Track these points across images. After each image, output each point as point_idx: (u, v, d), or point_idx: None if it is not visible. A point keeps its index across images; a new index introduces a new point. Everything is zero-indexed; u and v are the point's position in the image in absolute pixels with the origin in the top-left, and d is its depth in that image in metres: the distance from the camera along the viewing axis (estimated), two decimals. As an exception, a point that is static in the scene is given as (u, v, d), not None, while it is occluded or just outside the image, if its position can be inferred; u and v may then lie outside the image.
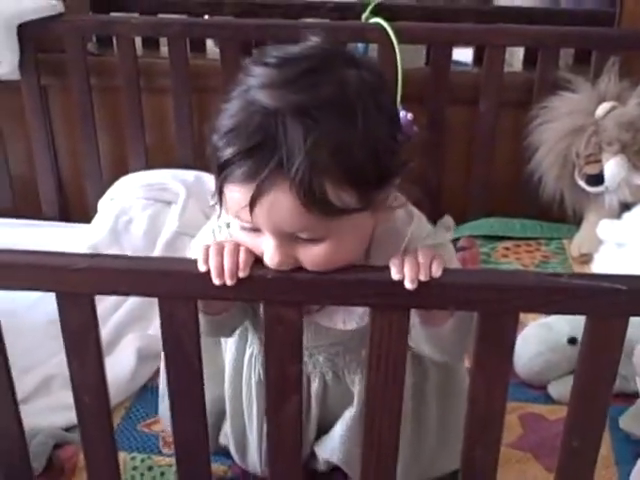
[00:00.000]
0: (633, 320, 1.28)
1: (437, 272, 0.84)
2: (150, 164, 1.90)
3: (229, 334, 1.08)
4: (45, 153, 1.92)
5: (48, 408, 1.30)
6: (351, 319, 1.00)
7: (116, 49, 1.83)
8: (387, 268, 0.85)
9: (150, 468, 1.24)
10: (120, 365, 1.39)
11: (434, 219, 1.68)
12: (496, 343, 0.88)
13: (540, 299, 0.84)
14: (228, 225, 0.96)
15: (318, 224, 0.85)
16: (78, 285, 0.87)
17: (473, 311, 0.86)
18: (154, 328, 1.53)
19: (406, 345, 0.87)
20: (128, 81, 1.82)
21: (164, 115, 1.90)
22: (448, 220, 0.98)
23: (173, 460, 1.22)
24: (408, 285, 0.83)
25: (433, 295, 0.84)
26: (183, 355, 0.91)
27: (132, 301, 1.57)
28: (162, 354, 1.14)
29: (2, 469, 1.05)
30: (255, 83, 0.86)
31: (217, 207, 0.93)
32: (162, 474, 1.23)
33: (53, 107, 1.91)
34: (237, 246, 0.87)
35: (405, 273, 0.84)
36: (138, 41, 1.86)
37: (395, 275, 0.84)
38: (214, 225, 1.02)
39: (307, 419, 1.10)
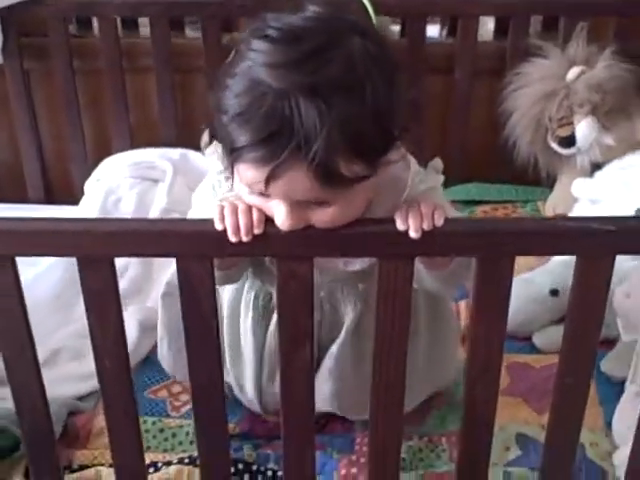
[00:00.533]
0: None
1: (439, 221, 0.90)
2: (134, 144, 1.92)
3: (235, 283, 1.15)
4: (29, 137, 1.94)
5: (57, 380, 1.33)
6: (353, 262, 1.06)
7: (97, 30, 1.86)
8: (392, 220, 0.90)
9: (161, 430, 1.29)
10: (123, 336, 1.44)
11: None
12: (495, 287, 0.94)
13: (534, 242, 0.91)
14: (227, 178, 1.01)
15: (330, 194, 0.89)
16: (99, 248, 0.92)
17: (473, 256, 0.93)
18: (151, 300, 1.58)
19: (411, 292, 0.93)
20: (110, 62, 1.84)
21: (146, 95, 1.93)
22: (437, 162, 1.04)
23: (183, 422, 1.29)
24: (413, 234, 0.89)
25: (436, 243, 0.90)
26: (200, 311, 0.96)
27: (128, 276, 1.61)
28: (159, 302, 1.20)
29: (26, 434, 1.09)
30: (259, 60, 0.87)
31: (216, 161, 0.99)
32: (173, 435, 1.28)
33: (36, 91, 1.93)
34: (250, 205, 0.92)
35: (409, 224, 0.89)
36: (118, 22, 1.89)
37: (400, 226, 0.90)
38: (213, 180, 1.06)
39: None
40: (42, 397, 1.07)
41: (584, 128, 1.75)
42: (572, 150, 1.80)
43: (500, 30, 1.92)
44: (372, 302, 0.97)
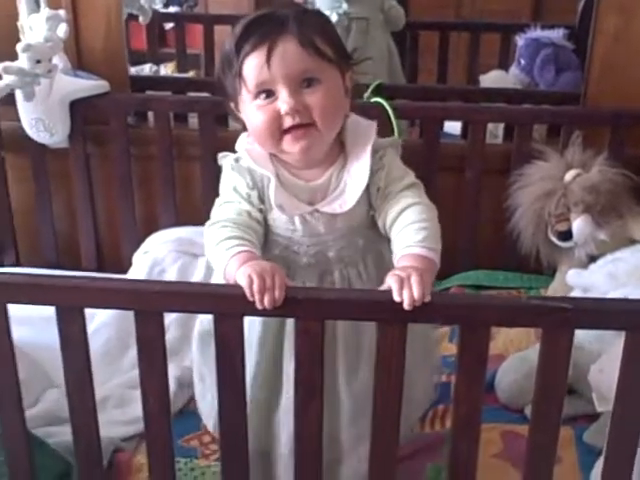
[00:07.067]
0: (585, 345, 1.54)
1: (428, 297, 1.10)
2: (179, 222, 2.16)
3: None
4: (86, 211, 2.18)
5: (104, 423, 1.51)
6: (345, 204, 1.26)
7: (153, 123, 2.12)
8: (389, 291, 1.11)
9: (192, 469, 1.49)
10: (162, 390, 1.63)
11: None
12: (474, 351, 1.14)
13: (505, 315, 1.11)
14: (237, 160, 1.28)
15: (315, 65, 1.20)
16: (153, 304, 1.14)
17: (456, 324, 1.13)
18: (188, 360, 1.78)
19: (404, 349, 1.13)
20: (162, 149, 2.10)
21: (191, 179, 2.18)
22: (396, 140, 1.32)
23: (211, 462, 1.48)
24: (406, 307, 1.10)
25: (425, 312, 1.10)
26: (231, 362, 1.17)
27: (168, 338, 1.81)
28: (194, 361, 1.40)
29: (80, 464, 1.30)
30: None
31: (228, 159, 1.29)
32: (203, 473, 1.48)
33: (95, 171, 2.18)
34: (273, 273, 1.11)
35: (404, 297, 1.10)
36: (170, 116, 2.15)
37: (397, 297, 1.10)
38: (228, 167, 1.30)
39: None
40: (96, 434, 1.28)
41: (579, 225, 1.94)
42: (570, 243, 1.99)
43: (508, 133, 2.15)
44: (370, 264, 1.29)
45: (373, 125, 1.31)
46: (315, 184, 1.28)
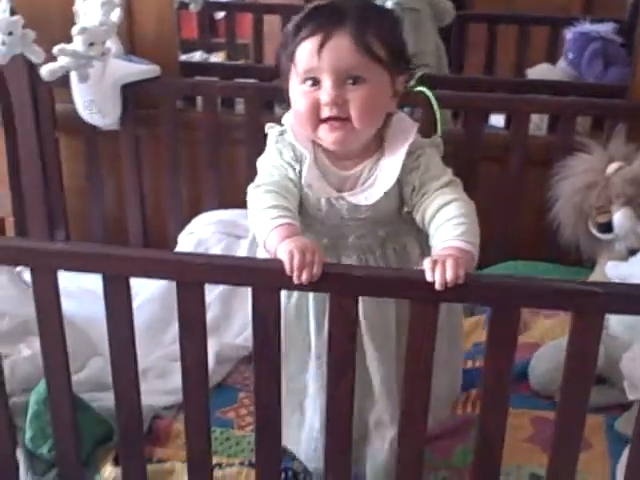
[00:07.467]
0: (618, 335, 1.56)
1: (461, 280, 1.13)
2: (223, 204, 2.21)
3: None
4: (135, 192, 2.24)
5: (145, 392, 1.58)
6: (371, 197, 1.31)
7: (201, 107, 2.17)
8: (422, 271, 1.14)
9: (227, 439, 1.55)
10: (202, 364, 1.69)
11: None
12: (504, 333, 1.16)
13: (536, 297, 1.13)
14: (282, 133, 1.34)
15: (363, 65, 1.23)
16: (195, 275, 1.18)
17: (487, 305, 1.15)
18: (227, 337, 1.84)
19: (436, 328, 1.16)
20: (209, 134, 2.15)
21: (236, 163, 2.22)
22: (437, 140, 1.34)
23: (246, 432, 1.53)
24: (438, 287, 1.13)
25: (456, 292, 1.13)
26: (266, 333, 1.21)
27: (209, 315, 1.86)
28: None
29: (121, 429, 1.35)
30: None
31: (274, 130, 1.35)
32: (237, 443, 1.54)
33: (143, 153, 2.24)
34: (313, 251, 1.15)
35: (436, 278, 1.13)
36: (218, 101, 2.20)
37: (429, 278, 1.13)
38: (273, 139, 1.36)
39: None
40: (138, 401, 1.33)
41: (620, 217, 1.94)
42: (610, 236, 1.99)
43: (552, 125, 2.16)
44: (390, 254, 1.33)
45: (415, 125, 1.33)
46: (347, 173, 1.32)
